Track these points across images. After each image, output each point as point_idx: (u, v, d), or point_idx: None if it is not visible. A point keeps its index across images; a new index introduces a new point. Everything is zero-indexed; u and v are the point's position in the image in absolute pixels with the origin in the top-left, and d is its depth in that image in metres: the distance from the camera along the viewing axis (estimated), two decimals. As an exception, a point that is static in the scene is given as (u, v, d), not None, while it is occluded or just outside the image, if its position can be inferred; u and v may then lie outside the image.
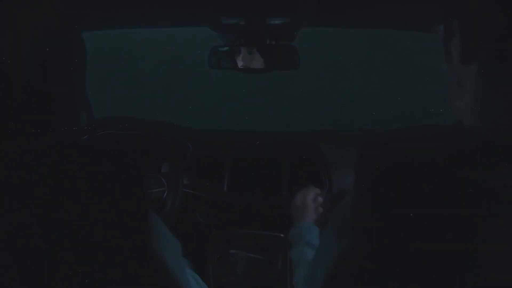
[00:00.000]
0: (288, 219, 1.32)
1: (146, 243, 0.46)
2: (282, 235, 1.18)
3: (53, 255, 0.43)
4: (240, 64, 1.19)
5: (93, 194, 0.43)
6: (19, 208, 0.43)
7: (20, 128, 0.49)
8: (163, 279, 0.50)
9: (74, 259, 0.43)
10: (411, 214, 0.40)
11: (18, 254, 0.43)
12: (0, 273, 0.43)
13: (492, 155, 0.40)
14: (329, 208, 1.08)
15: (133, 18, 1.12)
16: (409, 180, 0.40)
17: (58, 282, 0.43)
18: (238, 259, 1.15)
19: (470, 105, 0.48)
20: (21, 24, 0.47)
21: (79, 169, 0.44)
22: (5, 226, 0.43)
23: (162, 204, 1.16)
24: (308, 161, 1.35)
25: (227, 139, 1.43)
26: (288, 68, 1.20)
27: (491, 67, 0.46)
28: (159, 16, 1.07)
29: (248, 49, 1.17)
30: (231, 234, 1.25)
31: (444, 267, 0.39)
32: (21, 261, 0.43)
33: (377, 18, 1.07)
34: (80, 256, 0.43)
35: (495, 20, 0.45)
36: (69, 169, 0.44)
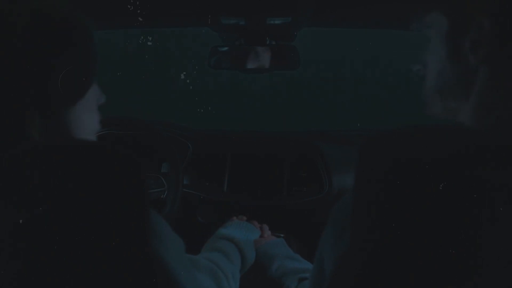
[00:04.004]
0: (288, 219, 1.32)
1: (147, 243, 0.46)
2: (282, 235, 1.18)
3: (53, 255, 0.43)
4: (240, 64, 1.19)
5: (93, 194, 0.43)
6: (19, 208, 0.43)
7: (21, 128, 0.49)
8: (165, 279, 0.50)
9: (74, 259, 0.43)
10: (411, 214, 0.40)
11: (18, 254, 0.43)
12: (0, 273, 0.43)
13: (492, 155, 0.40)
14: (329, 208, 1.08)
15: (133, 18, 1.12)
16: (409, 179, 0.40)
17: (58, 282, 0.43)
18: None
19: (470, 105, 0.48)
20: (23, 22, 0.47)
21: (79, 169, 0.44)
22: (5, 226, 0.43)
23: (162, 204, 1.16)
24: (308, 161, 1.34)
25: (227, 139, 1.43)
26: (288, 68, 1.20)
27: (492, 67, 0.46)
28: (160, 16, 1.07)
29: (248, 49, 1.17)
30: None
31: (445, 267, 0.39)
32: (21, 261, 0.43)
33: (378, 18, 1.07)
34: (80, 256, 0.43)
35: (496, 20, 0.45)
36: (69, 169, 0.44)
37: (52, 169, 0.43)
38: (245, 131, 1.50)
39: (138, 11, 1.00)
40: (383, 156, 0.42)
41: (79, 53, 0.52)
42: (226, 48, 1.20)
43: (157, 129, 1.21)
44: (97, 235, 0.43)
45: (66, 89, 0.50)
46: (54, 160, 0.44)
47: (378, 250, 0.41)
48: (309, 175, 1.34)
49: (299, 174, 1.35)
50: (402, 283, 0.40)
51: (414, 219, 0.40)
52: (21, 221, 0.43)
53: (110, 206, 0.43)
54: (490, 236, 0.39)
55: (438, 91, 0.52)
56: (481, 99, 0.47)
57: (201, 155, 1.39)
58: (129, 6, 0.96)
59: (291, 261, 0.93)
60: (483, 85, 0.47)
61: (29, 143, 0.49)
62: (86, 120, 0.55)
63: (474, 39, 0.46)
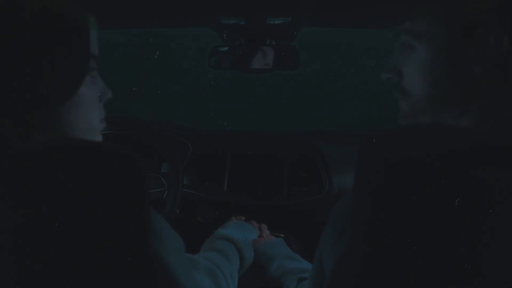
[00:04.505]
0: (288, 219, 1.32)
1: (147, 243, 0.46)
2: (282, 235, 1.18)
3: (53, 255, 0.43)
4: (240, 64, 1.19)
5: (93, 194, 0.43)
6: (19, 208, 0.43)
7: (21, 127, 0.49)
8: (165, 279, 0.50)
9: (74, 259, 0.43)
10: (411, 214, 0.40)
11: (18, 254, 0.43)
12: (0, 273, 0.43)
13: (492, 155, 0.40)
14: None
15: (133, 18, 1.12)
16: (409, 179, 0.40)
17: (58, 282, 0.43)
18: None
19: (470, 105, 0.48)
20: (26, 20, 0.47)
21: (79, 169, 0.44)
22: (5, 226, 0.43)
23: (162, 204, 1.16)
24: (308, 161, 1.34)
25: (227, 139, 1.43)
26: (288, 68, 1.20)
27: (491, 67, 0.46)
28: (159, 16, 1.07)
29: (248, 49, 1.17)
30: None
31: (445, 267, 0.39)
32: (21, 261, 0.43)
33: (378, 18, 1.07)
34: (80, 256, 0.43)
35: (495, 21, 0.45)
36: (69, 169, 0.44)
37: (52, 169, 0.43)
38: (245, 131, 1.50)
39: (138, 11, 1.00)
40: (383, 156, 0.42)
41: (70, 50, 0.50)
42: (226, 48, 1.20)
43: (157, 129, 1.21)
44: (97, 235, 0.43)
45: (55, 86, 0.49)
46: (54, 160, 0.44)
47: (378, 250, 0.41)
48: (309, 175, 1.34)
49: (299, 174, 1.35)
50: (402, 283, 0.40)
51: (414, 219, 0.40)
52: (21, 221, 0.43)
53: (110, 206, 0.43)
54: (490, 236, 0.39)
55: (430, 101, 0.51)
56: (482, 102, 0.47)
57: (201, 155, 1.39)
58: (129, 6, 0.95)
59: (290, 261, 0.93)
60: (484, 90, 0.46)
61: (29, 143, 0.49)
62: (83, 118, 0.54)
63: (479, 48, 0.46)
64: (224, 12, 0.98)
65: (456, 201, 0.39)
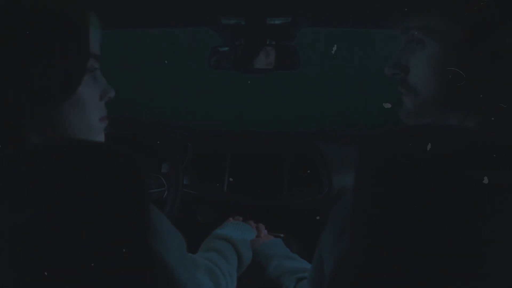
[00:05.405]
0: (288, 219, 1.32)
1: (147, 243, 0.46)
2: (281, 235, 1.18)
3: (53, 255, 0.43)
4: (240, 64, 1.19)
5: (93, 194, 0.43)
6: (19, 208, 0.43)
7: (20, 127, 0.49)
8: (165, 278, 0.50)
9: (75, 259, 0.43)
10: (411, 214, 0.40)
11: (18, 254, 0.43)
12: (0, 273, 0.43)
13: (492, 155, 0.40)
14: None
15: (133, 18, 1.12)
16: (409, 179, 0.40)
17: (58, 282, 0.43)
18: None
19: (470, 105, 0.48)
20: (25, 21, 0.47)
21: (79, 169, 0.44)
22: (5, 226, 0.43)
23: (162, 204, 1.16)
24: (308, 161, 1.34)
25: (227, 139, 1.43)
26: (288, 68, 1.20)
27: (491, 67, 0.46)
28: (160, 16, 1.07)
29: (248, 49, 1.17)
30: None
31: (445, 267, 0.39)
32: (21, 261, 0.43)
33: (378, 18, 1.07)
34: (81, 256, 0.43)
35: (494, 22, 0.45)
36: (69, 169, 0.44)
37: (52, 169, 0.43)
38: (245, 131, 1.50)
39: (139, 11, 1.00)
40: (383, 156, 0.42)
41: (69, 50, 0.50)
42: (226, 48, 1.20)
43: (157, 129, 1.21)
44: (98, 235, 0.43)
45: (54, 86, 0.49)
46: (54, 160, 0.44)
47: (378, 250, 0.41)
48: (309, 175, 1.34)
49: (299, 174, 1.35)
50: (402, 283, 0.40)
51: (414, 219, 0.40)
52: (21, 221, 0.43)
53: (110, 206, 0.43)
54: (490, 235, 0.39)
55: (436, 99, 0.50)
56: (489, 104, 0.47)
57: (201, 155, 1.39)
58: (129, 6, 0.95)
59: (289, 260, 0.93)
60: (491, 91, 0.46)
61: (28, 143, 0.49)
62: (83, 117, 0.53)
63: (495, 51, 0.45)
64: (224, 12, 0.98)
65: (456, 200, 0.39)
